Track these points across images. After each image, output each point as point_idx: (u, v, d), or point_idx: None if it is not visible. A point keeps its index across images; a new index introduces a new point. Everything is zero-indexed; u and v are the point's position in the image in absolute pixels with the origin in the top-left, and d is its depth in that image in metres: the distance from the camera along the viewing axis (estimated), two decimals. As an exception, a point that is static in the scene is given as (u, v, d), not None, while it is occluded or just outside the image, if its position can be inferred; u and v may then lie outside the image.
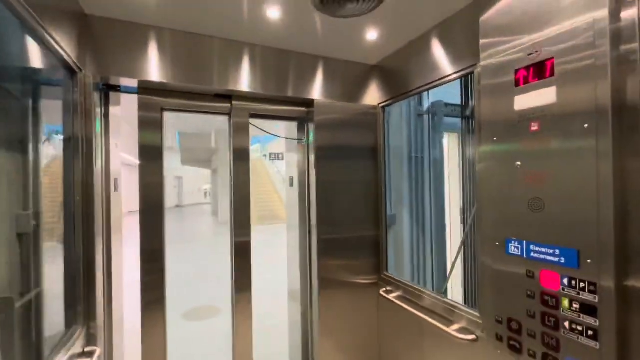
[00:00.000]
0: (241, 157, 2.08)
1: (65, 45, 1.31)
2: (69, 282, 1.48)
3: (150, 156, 1.86)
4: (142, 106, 1.84)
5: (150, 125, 1.86)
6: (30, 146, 1.27)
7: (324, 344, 2.18)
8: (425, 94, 2.06)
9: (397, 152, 2.77)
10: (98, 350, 1.44)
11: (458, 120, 2.87)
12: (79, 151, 1.49)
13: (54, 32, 1.20)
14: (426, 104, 2.95)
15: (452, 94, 2.82)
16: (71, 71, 1.47)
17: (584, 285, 1.09)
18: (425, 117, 2.95)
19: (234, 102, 2.06)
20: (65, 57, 1.33)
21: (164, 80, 1.78)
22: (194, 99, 1.99)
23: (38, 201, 1.29)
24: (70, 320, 1.45)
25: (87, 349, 1.46)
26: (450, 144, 3.22)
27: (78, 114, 1.49)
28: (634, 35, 1.03)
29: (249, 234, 2.08)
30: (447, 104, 2.92)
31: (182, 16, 1.69)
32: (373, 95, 2.38)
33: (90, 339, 1.53)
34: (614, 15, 1.06)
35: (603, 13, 1.06)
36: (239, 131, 2.08)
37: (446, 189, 3.02)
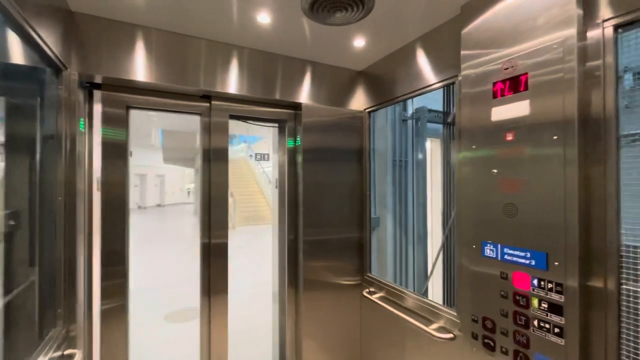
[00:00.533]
0: (219, 157, 2.05)
1: (51, 43, 1.29)
2: (47, 283, 1.45)
3: (114, 154, 1.79)
4: (106, 103, 1.78)
5: (114, 122, 1.80)
6: (11, 145, 1.25)
7: (308, 344, 2.21)
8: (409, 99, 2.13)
9: (381, 156, 2.84)
10: (78, 353, 1.41)
11: (441, 126, 2.96)
12: (62, 150, 1.47)
13: (39, 28, 1.19)
14: (410, 110, 3.03)
15: (435, 100, 2.91)
16: (56, 69, 1.45)
17: (551, 285, 1.17)
18: (409, 122, 3.03)
19: (213, 102, 2.04)
20: (50, 54, 1.31)
21: (149, 80, 1.76)
22: (169, 97, 1.94)
23: (19, 201, 1.27)
24: (49, 322, 1.43)
25: (67, 352, 1.43)
26: (432, 149, 3.32)
27: (62, 112, 1.46)
28: (599, 53, 1.12)
29: (226, 236, 2.06)
30: (430, 110, 3.01)
31: (171, 17, 1.68)
32: (359, 100, 2.43)
33: (70, 342, 1.50)
34: (581, 34, 1.15)
35: (572, 32, 1.14)
36: (218, 131, 2.06)
37: (428, 192, 3.10)
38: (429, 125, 3.05)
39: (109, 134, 1.79)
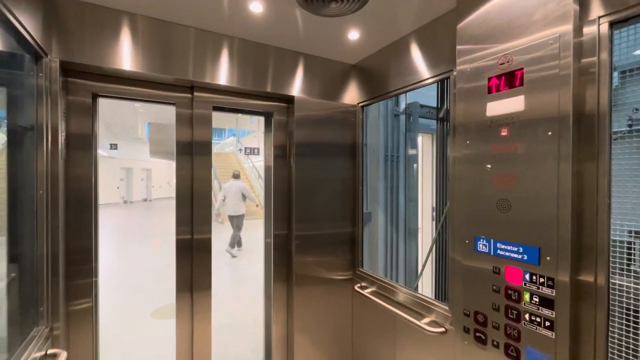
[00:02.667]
0: (202, 150, 1.98)
1: (30, 27, 1.22)
2: (29, 280, 1.39)
3: (79, 146, 1.69)
4: (71, 90, 1.66)
5: (79, 112, 1.68)
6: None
7: (299, 339, 2.20)
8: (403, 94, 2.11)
9: (373, 151, 2.83)
10: (64, 354, 1.35)
11: (433, 122, 2.97)
12: (43, 141, 1.40)
13: (17, 11, 1.12)
14: (402, 105, 3.02)
15: (427, 95, 2.90)
16: (36, 55, 1.37)
17: (543, 280, 1.18)
18: (402, 117, 3.03)
19: (195, 93, 1.96)
20: (29, 39, 1.24)
21: (133, 69, 1.69)
22: (150, 87, 1.85)
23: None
24: (31, 321, 1.37)
25: (50, 351, 1.37)
26: (424, 144, 3.33)
27: (43, 101, 1.39)
28: (594, 50, 1.12)
29: (209, 231, 2.01)
30: (422, 106, 3.01)
31: (158, 3, 1.62)
32: (352, 94, 2.41)
33: (54, 341, 1.45)
34: (577, 30, 1.14)
35: (568, 28, 1.14)
36: (200, 123, 1.98)
37: (419, 188, 3.12)
38: (421, 120, 3.05)
39: (74, 124, 1.68)
